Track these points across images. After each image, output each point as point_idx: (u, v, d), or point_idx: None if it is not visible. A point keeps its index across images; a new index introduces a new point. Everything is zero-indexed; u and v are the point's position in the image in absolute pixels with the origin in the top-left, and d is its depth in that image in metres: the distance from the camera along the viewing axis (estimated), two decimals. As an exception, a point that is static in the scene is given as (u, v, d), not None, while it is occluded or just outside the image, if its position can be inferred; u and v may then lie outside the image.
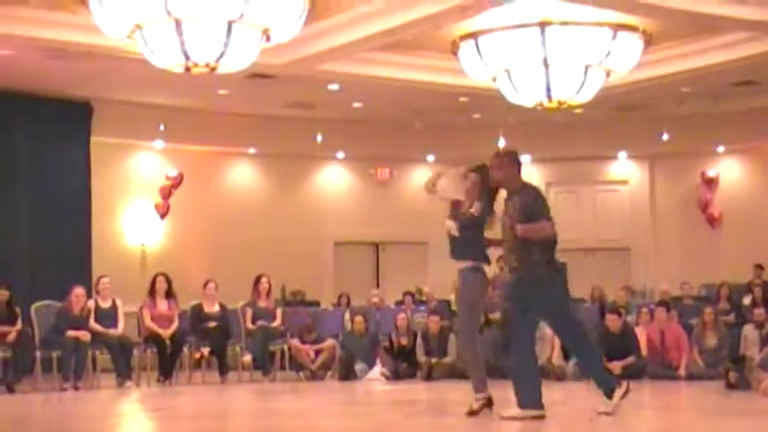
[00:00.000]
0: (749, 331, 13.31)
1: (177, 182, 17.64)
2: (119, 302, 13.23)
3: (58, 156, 15.85)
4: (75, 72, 14.31)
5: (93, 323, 12.86)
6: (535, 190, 8.19)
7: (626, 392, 8.02)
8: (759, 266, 17.29)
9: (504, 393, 8.15)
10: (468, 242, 8.34)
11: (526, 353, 8.04)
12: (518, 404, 7.91)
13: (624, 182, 19.68)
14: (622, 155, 19.54)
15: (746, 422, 8.32)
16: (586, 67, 12.87)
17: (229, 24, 10.41)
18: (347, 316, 15.27)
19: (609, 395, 8.05)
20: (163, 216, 17.60)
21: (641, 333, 13.52)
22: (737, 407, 9.61)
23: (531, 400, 7.91)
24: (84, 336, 12.54)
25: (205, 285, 13.89)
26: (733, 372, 11.14)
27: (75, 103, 15.95)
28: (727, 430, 7.68)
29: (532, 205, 8.00)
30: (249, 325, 13.88)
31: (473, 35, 12.81)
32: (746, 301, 15.47)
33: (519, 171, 8.23)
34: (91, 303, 13.02)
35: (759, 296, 14.68)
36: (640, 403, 10.84)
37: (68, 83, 15.03)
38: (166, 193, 17.60)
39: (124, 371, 12.78)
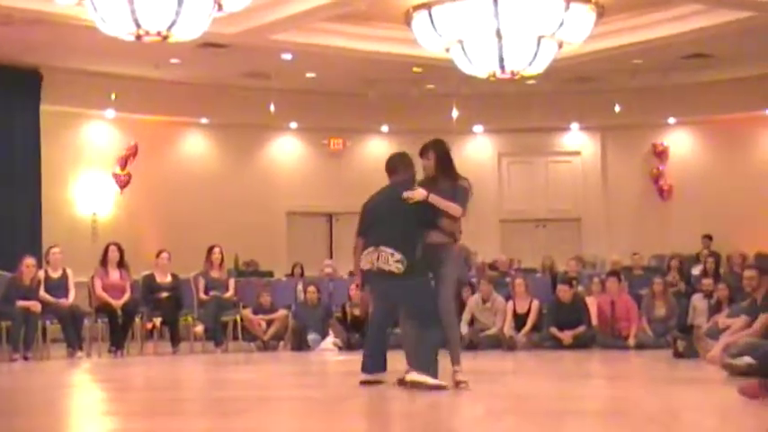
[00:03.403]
0: (698, 301, 13.49)
1: (133, 151, 17.51)
2: (69, 272, 13.10)
3: (7, 124, 15.66)
4: (23, 39, 14.10)
5: (43, 293, 12.72)
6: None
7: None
8: (708, 237, 17.53)
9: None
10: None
11: None
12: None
13: (576, 153, 19.79)
14: (575, 126, 19.64)
15: (694, 390, 8.44)
16: (539, 39, 12.89)
17: (181, -8, 10.31)
18: (300, 286, 15.25)
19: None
20: (123, 186, 17.45)
21: (592, 303, 13.65)
22: (685, 375, 9.75)
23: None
24: (35, 306, 12.40)
25: (158, 255, 13.80)
26: (681, 341, 11.29)
27: (23, 71, 15.74)
28: (676, 398, 7.78)
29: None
30: (202, 295, 13.82)
31: (426, 5, 12.77)
32: (696, 271, 15.65)
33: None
34: (41, 273, 12.89)
35: (710, 267, 14.85)
36: (590, 372, 11.00)
37: (17, 50, 14.81)
38: (123, 163, 17.45)
39: (75, 341, 12.68)
